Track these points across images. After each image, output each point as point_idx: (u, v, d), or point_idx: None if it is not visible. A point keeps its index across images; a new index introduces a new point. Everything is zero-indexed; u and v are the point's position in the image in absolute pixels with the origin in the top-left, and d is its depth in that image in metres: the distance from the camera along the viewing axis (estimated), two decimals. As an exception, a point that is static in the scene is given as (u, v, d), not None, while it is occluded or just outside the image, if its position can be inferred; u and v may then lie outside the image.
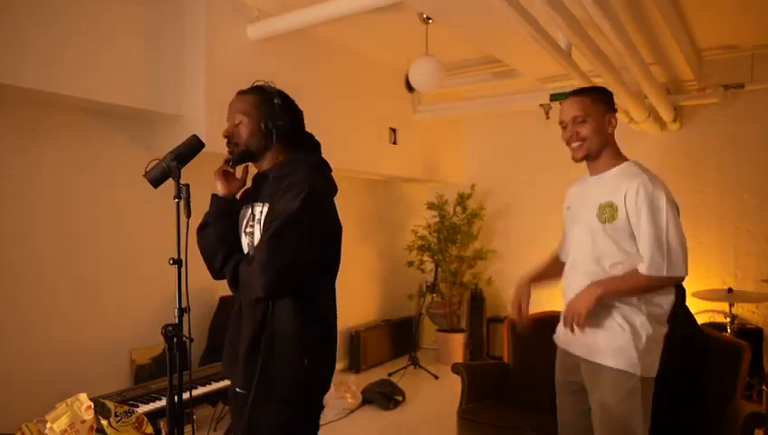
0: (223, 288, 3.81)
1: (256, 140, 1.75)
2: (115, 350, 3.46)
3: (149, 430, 1.84)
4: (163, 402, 2.28)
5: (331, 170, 1.84)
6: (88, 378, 3.23)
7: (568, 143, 2.02)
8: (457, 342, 5.59)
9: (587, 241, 1.98)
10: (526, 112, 5.48)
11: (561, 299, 2.14)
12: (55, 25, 2.80)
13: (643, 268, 1.86)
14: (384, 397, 4.28)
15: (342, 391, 4.21)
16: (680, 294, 2.74)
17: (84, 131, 3.34)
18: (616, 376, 1.90)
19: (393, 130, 5.14)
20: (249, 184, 1.88)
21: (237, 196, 1.85)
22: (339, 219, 1.78)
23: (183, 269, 1.59)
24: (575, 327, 1.95)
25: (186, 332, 1.58)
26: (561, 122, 2.04)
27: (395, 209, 6.15)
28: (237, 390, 1.74)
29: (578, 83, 3.73)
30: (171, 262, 1.59)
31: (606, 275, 1.93)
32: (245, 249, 1.74)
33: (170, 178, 1.63)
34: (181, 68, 3.41)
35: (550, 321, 2.26)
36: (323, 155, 1.87)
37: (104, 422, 1.76)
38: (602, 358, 1.92)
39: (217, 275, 1.75)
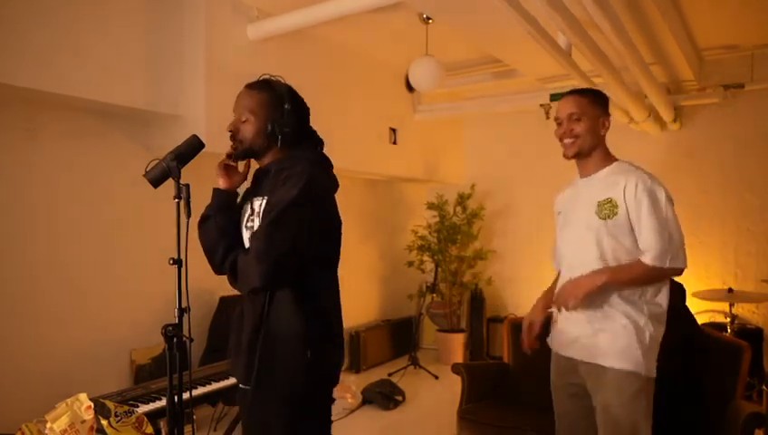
0: (223, 288, 3.82)
1: (261, 140, 1.75)
2: (115, 350, 3.46)
3: (149, 430, 1.84)
4: (163, 402, 2.28)
5: (331, 166, 1.84)
6: (88, 378, 3.23)
7: (561, 139, 2.06)
8: (457, 342, 5.59)
9: (589, 241, 1.97)
10: (526, 112, 5.48)
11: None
12: (53, 24, 2.80)
13: (647, 259, 1.87)
14: (384, 397, 4.28)
15: (342, 391, 4.21)
16: (680, 294, 2.75)
17: (84, 132, 3.34)
18: (621, 378, 1.89)
19: (393, 130, 5.14)
20: (250, 179, 1.88)
21: (239, 190, 1.85)
22: (339, 214, 1.78)
23: (183, 269, 1.59)
24: (566, 321, 1.96)
25: (186, 332, 1.58)
26: (556, 118, 2.08)
27: (395, 209, 6.15)
28: (241, 386, 1.74)
29: (578, 83, 3.73)
30: (171, 262, 1.59)
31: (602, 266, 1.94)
32: (247, 244, 1.73)
33: (170, 178, 1.63)
34: (181, 68, 3.40)
35: (550, 321, 2.25)
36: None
37: (104, 422, 1.76)
38: (605, 359, 1.91)
39: (218, 269, 1.74)
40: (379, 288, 5.92)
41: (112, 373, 3.42)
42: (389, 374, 5.01)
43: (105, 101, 3.06)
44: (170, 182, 1.63)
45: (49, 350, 3.15)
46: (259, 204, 1.72)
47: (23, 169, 3.08)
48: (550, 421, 2.24)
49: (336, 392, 4.17)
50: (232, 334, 1.81)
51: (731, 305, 4.19)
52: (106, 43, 3.02)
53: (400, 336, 5.77)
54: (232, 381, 2.69)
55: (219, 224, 1.73)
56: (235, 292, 1.78)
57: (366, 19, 3.77)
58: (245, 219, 1.77)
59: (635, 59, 3.45)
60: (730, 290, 4.17)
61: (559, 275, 2.22)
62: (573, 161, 2.11)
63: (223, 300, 3.90)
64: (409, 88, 5.23)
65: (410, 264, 5.76)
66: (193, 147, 1.71)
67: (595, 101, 2.05)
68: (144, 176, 1.65)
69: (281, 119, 1.73)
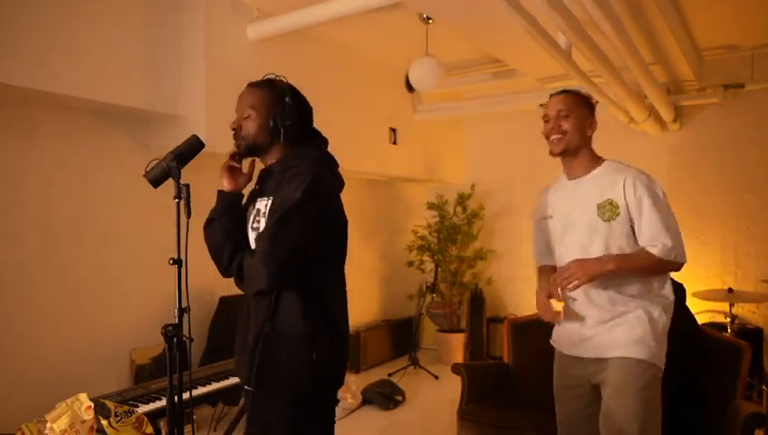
0: (223, 288, 3.83)
1: (263, 135, 1.75)
2: (115, 350, 3.46)
3: (149, 430, 1.84)
4: (163, 402, 2.28)
5: (337, 165, 1.83)
6: (88, 378, 3.23)
7: (548, 137, 2.07)
8: (457, 342, 5.59)
9: (596, 244, 1.96)
10: (526, 112, 5.47)
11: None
12: (52, 24, 2.80)
13: (655, 250, 1.88)
14: (384, 397, 4.28)
15: (342, 392, 4.21)
16: (680, 294, 2.74)
17: (83, 131, 3.34)
18: (636, 365, 1.91)
19: (393, 130, 5.14)
20: (255, 179, 1.87)
21: (243, 192, 1.84)
22: (344, 214, 1.77)
23: (183, 269, 1.59)
24: (576, 322, 1.96)
25: (186, 332, 1.58)
26: (544, 116, 2.10)
27: (395, 209, 6.15)
28: (246, 387, 1.74)
29: (578, 83, 3.73)
30: (171, 262, 1.59)
31: (617, 276, 1.94)
32: (253, 245, 1.73)
33: (170, 178, 1.63)
34: (181, 68, 3.40)
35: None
36: (325, 153, 1.85)
37: (104, 422, 1.76)
38: (621, 350, 1.92)
39: (225, 272, 1.74)
40: (379, 288, 5.92)
41: (112, 373, 3.42)
42: (389, 374, 5.02)
43: (104, 101, 3.06)
44: (170, 182, 1.63)
45: (49, 350, 3.15)
46: (264, 204, 1.72)
47: (20, 168, 3.08)
48: (550, 421, 2.24)
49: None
50: (238, 334, 1.81)
51: (731, 305, 4.19)
52: (105, 43, 3.02)
53: (400, 336, 5.77)
54: (232, 381, 2.70)
55: (224, 226, 1.73)
56: (236, 292, 1.78)
57: (366, 19, 3.76)
58: (251, 220, 1.76)
59: (635, 59, 3.45)
60: (730, 290, 4.17)
61: (541, 270, 2.25)
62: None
63: (223, 300, 3.90)
64: (409, 88, 5.23)
65: (410, 264, 5.76)
66: (193, 147, 1.71)
67: (582, 101, 2.08)
68: (144, 176, 1.65)
69: (282, 113, 1.73)
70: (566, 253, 2.06)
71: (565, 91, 2.11)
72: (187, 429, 1.67)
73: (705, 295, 4.24)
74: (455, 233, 5.67)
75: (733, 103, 4.77)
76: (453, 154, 6.08)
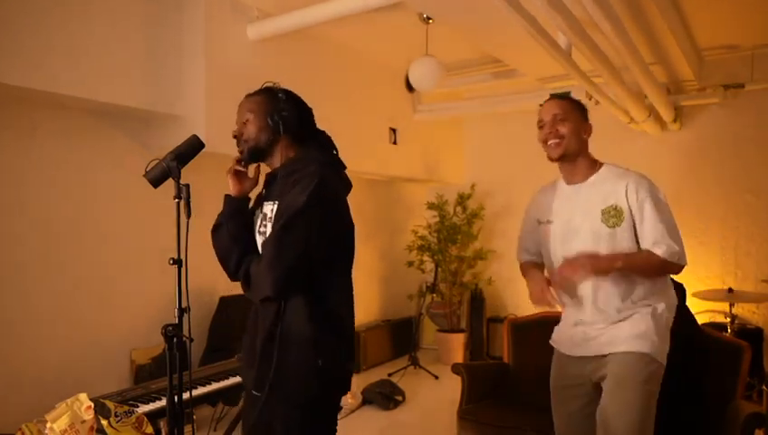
0: (223, 288, 3.83)
1: (264, 134, 1.75)
2: (115, 350, 3.46)
3: (149, 430, 1.84)
4: (163, 402, 2.27)
5: (344, 168, 1.82)
6: (88, 378, 3.23)
7: (545, 142, 2.05)
8: (457, 342, 5.59)
9: (602, 250, 1.94)
10: (526, 112, 5.46)
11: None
12: (52, 24, 2.80)
13: (660, 251, 1.89)
14: (384, 397, 4.28)
15: (342, 392, 4.21)
16: (680, 294, 2.74)
17: (83, 131, 3.34)
18: (638, 359, 1.91)
19: (393, 130, 5.14)
20: (261, 183, 1.87)
21: (250, 196, 1.84)
22: (350, 217, 1.76)
23: (183, 269, 1.59)
24: (581, 324, 1.97)
25: (186, 332, 1.58)
26: (539, 122, 2.08)
27: (395, 209, 6.15)
28: (254, 392, 1.73)
29: (578, 83, 3.74)
30: (171, 262, 1.59)
31: (626, 283, 1.95)
32: (260, 250, 1.73)
33: (170, 178, 1.63)
34: (181, 68, 3.40)
35: (549, 321, 2.25)
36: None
37: (104, 422, 1.76)
38: (624, 345, 1.93)
39: (233, 276, 1.74)
40: (379, 288, 5.92)
41: (112, 373, 3.42)
42: (389, 374, 5.02)
43: (103, 101, 3.06)
44: (170, 182, 1.63)
45: (49, 350, 3.15)
46: (270, 208, 1.72)
47: (20, 168, 3.08)
48: (550, 421, 2.24)
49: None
50: (246, 338, 1.81)
51: (731, 305, 4.19)
52: (104, 43, 3.02)
53: (400, 336, 5.77)
54: (232, 381, 2.70)
55: (231, 232, 1.73)
56: (235, 292, 1.78)
57: (366, 19, 3.76)
58: (258, 225, 1.76)
59: (635, 59, 3.45)
60: (730, 290, 4.17)
61: (526, 264, 2.27)
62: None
63: (223, 300, 3.90)
64: (409, 88, 5.23)
65: (410, 264, 5.76)
66: (193, 147, 1.71)
67: (577, 106, 2.07)
68: (144, 176, 1.65)
69: (278, 106, 1.74)
70: (572, 254, 2.05)
71: (556, 96, 2.10)
72: (187, 429, 1.67)
73: (705, 295, 4.24)
74: (455, 233, 5.67)
75: (733, 103, 4.77)
76: (453, 154, 6.08)
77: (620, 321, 1.96)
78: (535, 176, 6.14)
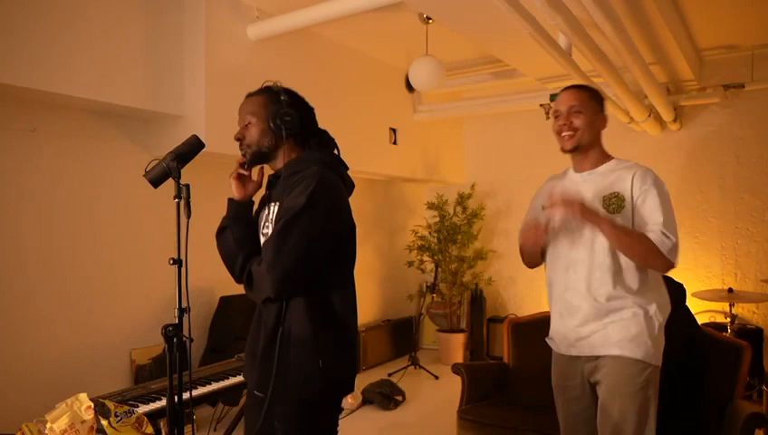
0: (223, 288, 3.83)
1: (267, 138, 1.75)
2: (115, 350, 3.46)
3: (149, 430, 1.84)
4: (163, 402, 2.27)
5: (347, 168, 1.82)
6: (88, 378, 3.24)
7: (559, 132, 2.03)
8: (457, 342, 5.59)
9: (601, 235, 1.93)
10: (526, 112, 5.48)
11: (548, 307, 2.14)
12: (53, 24, 2.80)
13: (652, 236, 1.86)
14: (384, 397, 4.28)
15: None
16: (680, 294, 2.74)
17: (84, 131, 3.34)
18: (632, 365, 1.89)
19: (393, 130, 5.14)
20: (264, 185, 1.87)
21: (254, 198, 1.84)
22: (352, 218, 1.75)
23: (183, 269, 1.59)
24: (571, 321, 1.96)
25: (186, 332, 1.58)
26: (555, 111, 2.07)
27: (395, 209, 6.16)
28: (255, 392, 1.74)
29: (578, 83, 3.72)
30: (171, 262, 1.59)
31: (621, 267, 1.92)
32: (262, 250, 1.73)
33: (170, 178, 1.63)
34: (181, 68, 3.41)
35: (549, 321, 2.24)
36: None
37: (104, 422, 1.75)
38: (616, 349, 1.91)
39: (239, 279, 1.73)
40: (379, 288, 5.92)
41: (112, 373, 3.42)
42: (389, 374, 5.02)
43: (104, 101, 3.06)
44: (170, 182, 1.63)
45: (49, 350, 3.15)
46: (273, 210, 1.71)
47: (20, 168, 3.08)
48: (550, 421, 2.24)
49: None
50: (249, 339, 1.81)
51: (731, 305, 4.19)
52: (105, 43, 3.02)
53: (400, 336, 5.77)
54: (232, 381, 2.70)
55: (236, 235, 1.72)
56: (235, 292, 1.78)
57: (366, 19, 3.77)
58: (262, 226, 1.76)
59: (635, 59, 3.45)
60: (730, 290, 4.17)
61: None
62: (570, 158, 2.10)
63: (223, 300, 3.90)
64: (409, 88, 5.23)
65: (410, 264, 5.76)
66: (193, 147, 1.71)
67: (594, 97, 2.06)
68: (144, 176, 1.65)
69: (280, 110, 1.73)
70: (569, 243, 2.04)
71: (575, 87, 2.08)
72: (187, 429, 1.67)
73: (705, 295, 4.24)
74: (455, 233, 5.67)
75: (733, 103, 4.77)
76: (453, 154, 6.08)
77: (609, 315, 1.92)
78: (535, 176, 6.17)
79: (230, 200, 1.79)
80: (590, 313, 1.96)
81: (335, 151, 1.83)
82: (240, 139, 1.78)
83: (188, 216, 1.60)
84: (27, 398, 2.94)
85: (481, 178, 5.96)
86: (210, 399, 2.73)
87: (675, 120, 4.84)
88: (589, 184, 2.02)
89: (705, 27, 4.19)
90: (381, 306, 5.93)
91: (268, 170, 1.84)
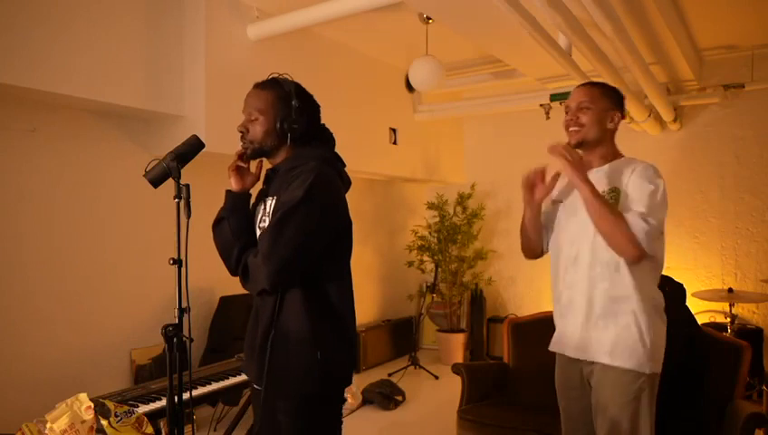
0: (223, 288, 3.83)
1: (271, 138, 1.75)
2: (115, 350, 3.46)
3: (149, 430, 1.84)
4: (163, 402, 2.27)
5: (344, 165, 1.83)
6: (88, 378, 3.24)
7: (566, 128, 2.05)
8: (457, 342, 5.59)
9: (596, 231, 1.92)
10: (526, 112, 5.48)
11: (552, 304, 2.13)
12: (53, 24, 2.80)
13: (628, 216, 1.83)
14: (384, 397, 4.28)
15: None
16: (680, 294, 2.74)
17: (84, 131, 3.34)
18: (623, 376, 1.88)
19: (393, 130, 5.14)
20: (262, 179, 1.87)
21: (252, 191, 1.84)
22: (348, 214, 1.76)
23: (183, 269, 1.59)
24: (568, 322, 1.97)
25: (186, 332, 1.58)
26: (566, 107, 2.07)
27: (395, 209, 6.16)
28: (255, 386, 1.75)
29: (578, 83, 3.72)
30: (171, 262, 1.59)
31: (620, 265, 1.89)
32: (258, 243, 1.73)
33: (170, 178, 1.63)
34: (181, 68, 3.41)
35: (550, 321, 2.25)
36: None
37: (104, 422, 1.76)
38: (608, 358, 1.90)
39: (234, 271, 1.74)
40: (379, 288, 5.92)
41: (112, 373, 3.42)
42: (389, 374, 5.02)
43: (104, 101, 3.06)
44: (171, 182, 1.63)
45: (49, 350, 3.15)
46: (270, 203, 1.72)
47: (21, 168, 3.08)
48: (550, 421, 2.24)
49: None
50: (247, 333, 1.82)
51: (731, 305, 4.19)
52: (105, 43, 3.02)
53: (400, 336, 5.77)
54: (232, 381, 2.70)
55: (233, 227, 1.73)
56: (235, 291, 1.78)
57: (366, 19, 3.77)
58: (258, 219, 1.77)
59: (635, 59, 3.45)
60: (730, 290, 4.17)
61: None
62: None
63: (223, 300, 3.90)
64: (409, 88, 5.23)
65: (410, 264, 5.76)
66: (193, 147, 1.71)
67: (606, 93, 2.03)
68: (144, 176, 1.65)
69: (290, 116, 1.73)
70: (569, 238, 2.04)
71: (589, 83, 2.09)
72: (187, 429, 1.67)
73: (705, 295, 4.24)
74: (455, 233, 5.67)
75: (733, 103, 4.77)
76: (453, 154, 6.08)
77: (604, 318, 1.90)
78: (535, 176, 6.10)
79: (228, 192, 1.80)
80: (588, 313, 1.95)
81: (334, 148, 1.84)
82: (243, 131, 1.78)
83: (188, 216, 1.60)
84: (27, 398, 2.94)
85: (481, 178, 5.96)
86: (210, 399, 2.73)
87: (675, 120, 4.84)
88: (595, 181, 2.02)
89: (705, 27, 4.19)
90: (381, 306, 5.93)
91: (267, 164, 1.84)
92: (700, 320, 3.30)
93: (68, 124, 3.26)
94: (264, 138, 1.75)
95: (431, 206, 5.80)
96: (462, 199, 5.75)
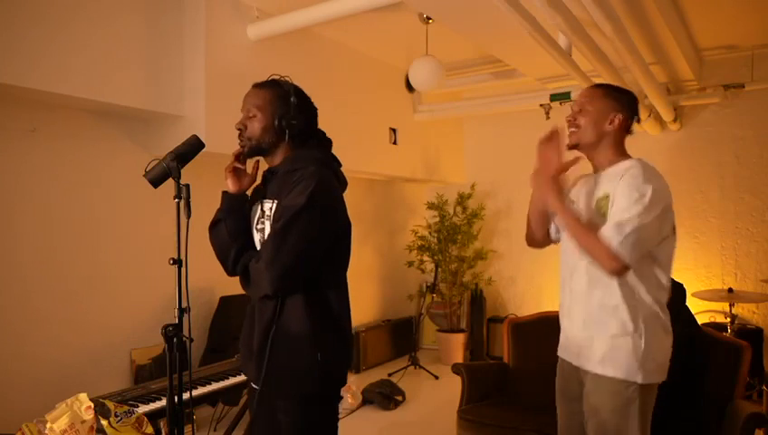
0: (223, 288, 3.83)
1: (269, 135, 1.75)
2: (115, 350, 3.46)
3: (149, 430, 1.84)
4: (163, 402, 2.27)
5: (340, 166, 1.84)
6: (88, 378, 3.24)
7: (568, 129, 2.04)
8: (457, 342, 5.59)
9: None
10: (526, 112, 5.48)
11: (555, 304, 2.13)
12: (52, 24, 2.80)
13: (603, 229, 1.79)
14: (384, 397, 4.28)
15: (342, 391, 4.21)
16: (680, 294, 2.74)
17: (83, 131, 3.34)
18: (612, 385, 1.86)
19: (393, 130, 5.14)
20: (259, 180, 1.88)
21: (248, 192, 1.84)
22: (347, 216, 1.77)
23: (183, 269, 1.59)
24: (567, 326, 1.98)
25: (186, 332, 1.59)
26: (572, 107, 2.06)
27: (395, 209, 6.16)
28: (253, 386, 1.76)
29: (578, 83, 3.74)
30: (171, 262, 1.59)
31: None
32: (258, 246, 1.74)
33: (170, 179, 1.63)
34: (181, 68, 3.41)
35: (550, 321, 2.25)
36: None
37: (104, 422, 1.76)
38: (598, 366, 1.89)
39: (231, 272, 1.75)
40: (379, 288, 5.92)
41: (112, 373, 3.42)
42: (389, 374, 5.02)
43: (104, 101, 3.06)
44: (171, 182, 1.63)
45: (49, 350, 3.15)
46: (269, 207, 1.72)
47: (20, 168, 3.08)
48: (550, 421, 2.24)
49: (336, 392, 4.17)
50: (245, 334, 1.82)
51: (731, 305, 4.19)
52: (105, 43, 3.02)
53: (400, 336, 5.77)
54: (232, 381, 2.70)
55: (230, 228, 1.73)
56: (235, 292, 1.78)
57: (366, 19, 3.77)
58: (256, 221, 1.77)
59: (635, 59, 3.45)
60: (730, 290, 4.17)
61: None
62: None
63: (223, 300, 3.90)
64: (409, 88, 5.23)
65: (410, 264, 5.76)
66: (193, 147, 1.71)
67: (609, 94, 1.99)
68: (144, 176, 1.65)
69: (288, 113, 1.73)
70: (573, 244, 2.00)
71: (595, 85, 2.07)
72: (187, 429, 1.67)
73: (705, 295, 4.24)
74: (455, 233, 5.67)
75: (733, 103, 4.77)
76: (453, 154, 6.08)
77: (597, 325, 1.88)
78: (535, 176, 6.10)
79: (224, 193, 1.80)
80: (585, 321, 1.94)
81: (330, 150, 1.85)
82: (241, 129, 1.78)
83: (188, 216, 1.61)
84: (27, 398, 2.94)
85: (481, 178, 5.96)
86: (210, 399, 2.73)
87: (675, 120, 4.84)
88: (593, 185, 2.00)
89: (705, 27, 4.19)
90: (381, 306, 5.93)
91: (263, 164, 1.84)
92: (700, 320, 3.30)
93: (67, 124, 3.26)
94: (262, 134, 1.75)
95: (431, 206, 5.80)
96: (462, 199, 5.75)
